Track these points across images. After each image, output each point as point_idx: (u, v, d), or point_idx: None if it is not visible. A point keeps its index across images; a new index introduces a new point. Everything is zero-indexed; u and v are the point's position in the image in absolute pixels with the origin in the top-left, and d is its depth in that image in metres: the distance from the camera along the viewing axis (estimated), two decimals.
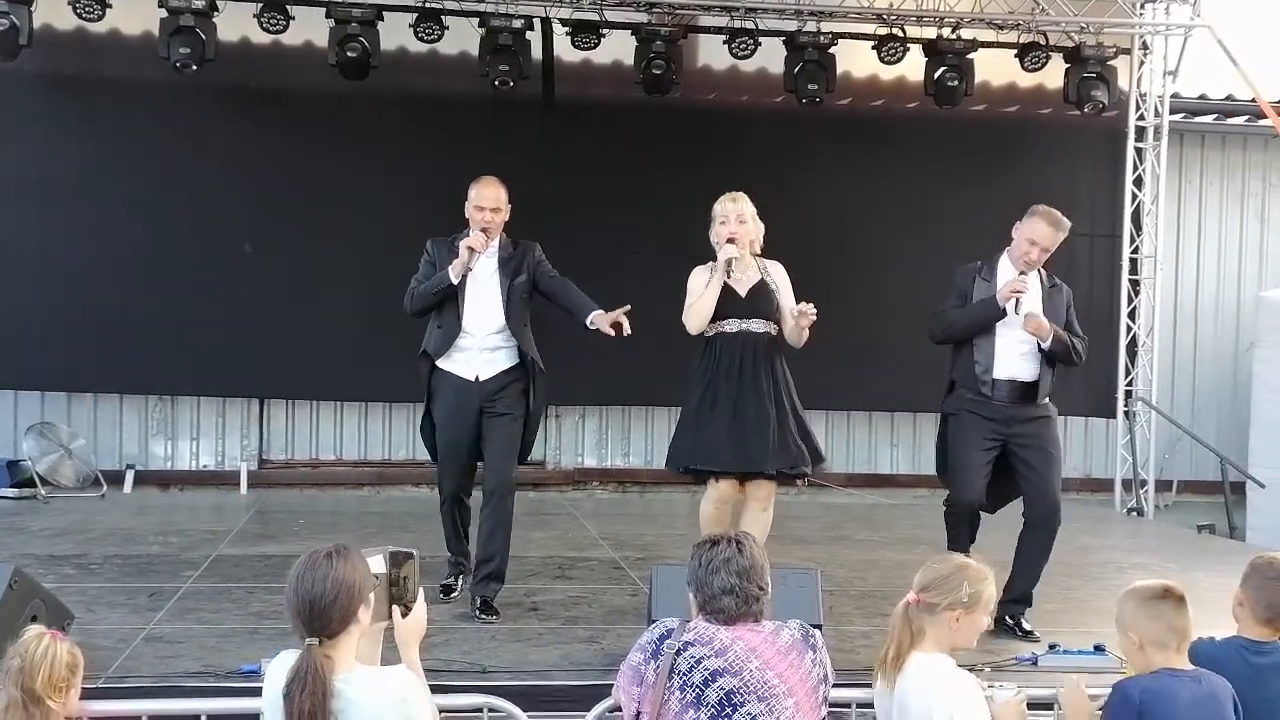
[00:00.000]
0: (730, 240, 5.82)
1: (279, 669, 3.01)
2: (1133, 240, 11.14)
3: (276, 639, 5.02)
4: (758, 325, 5.86)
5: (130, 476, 10.38)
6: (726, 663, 3.19)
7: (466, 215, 6.06)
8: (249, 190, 10.05)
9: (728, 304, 5.83)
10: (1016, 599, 5.77)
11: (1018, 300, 5.83)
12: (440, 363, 6.03)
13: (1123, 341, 11.10)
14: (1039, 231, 5.91)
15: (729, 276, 5.81)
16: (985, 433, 5.91)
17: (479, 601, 5.85)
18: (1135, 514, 10.88)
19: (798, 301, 5.85)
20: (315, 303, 10.01)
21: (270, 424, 10.83)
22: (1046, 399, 6.03)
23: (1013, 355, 5.93)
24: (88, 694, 3.78)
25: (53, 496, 9.60)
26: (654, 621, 3.48)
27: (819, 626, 3.63)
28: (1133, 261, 11.14)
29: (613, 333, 5.95)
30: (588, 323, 6.04)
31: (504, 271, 6.04)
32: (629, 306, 5.94)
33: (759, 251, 6.00)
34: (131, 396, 10.52)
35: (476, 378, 5.99)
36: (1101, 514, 10.90)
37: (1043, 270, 6.04)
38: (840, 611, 5.98)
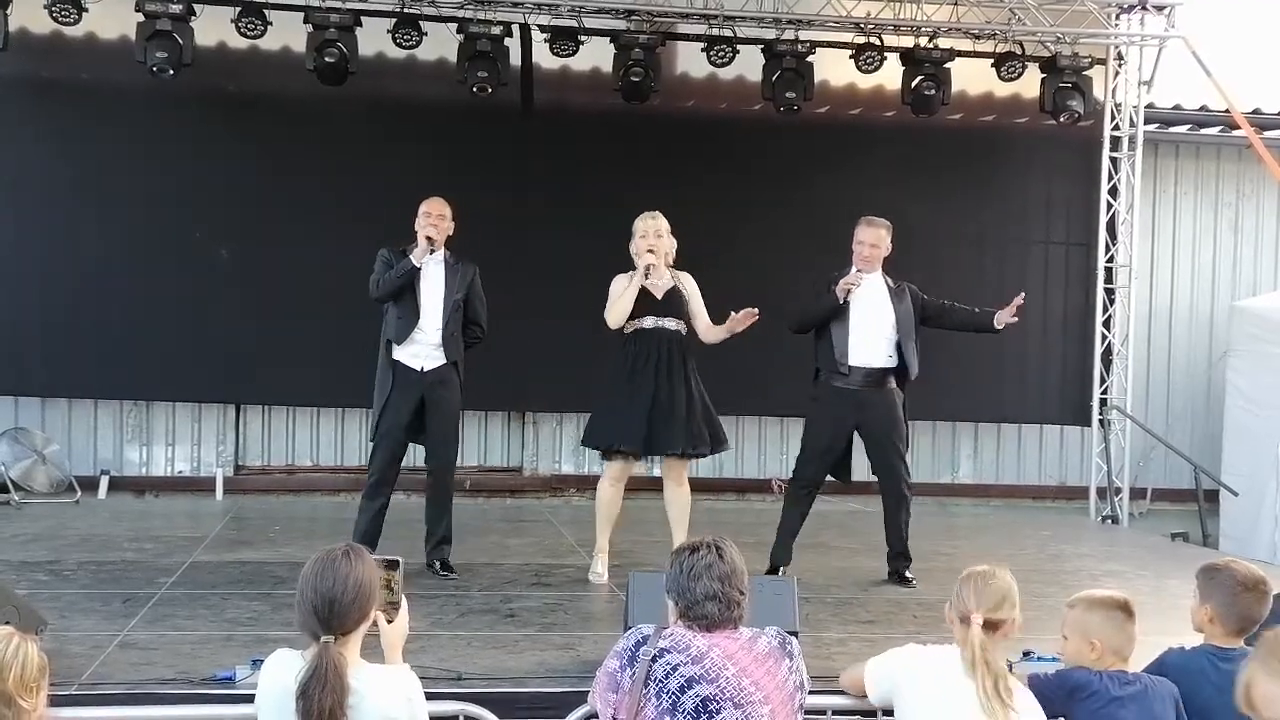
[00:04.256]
0: (650, 250, 6.77)
1: (279, 669, 3.05)
2: (1108, 249, 11.20)
3: (251, 645, 5.01)
4: (671, 323, 6.83)
5: (105, 482, 10.32)
6: (703, 669, 3.19)
7: (416, 228, 6.90)
8: (225, 195, 10.01)
9: (646, 305, 6.80)
10: (899, 554, 7.16)
11: (849, 291, 6.91)
12: (396, 353, 6.90)
13: (1098, 350, 11.16)
14: (861, 234, 7.14)
15: (646, 279, 6.76)
16: (839, 417, 7.04)
17: (438, 564, 6.94)
18: (1110, 522, 10.93)
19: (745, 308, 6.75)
20: (292, 308, 9.98)
21: (246, 430, 10.79)
22: (894, 384, 7.08)
23: (865, 345, 7.02)
24: (60, 701, 3.76)
25: (26, 502, 9.54)
26: (630, 628, 3.48)
27: (795, 634, 3.63)
28: (1108, 270, 11.20)
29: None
30: None
31: (449, 280, 6.96)
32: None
33: (671, 263, 6.96)
34: (106, 402, 10.46)
35: (421, 368, 6.91)
36: (1076, 522, 10.95)
37: (888, 278, 7.16)
38: (816, 619, 5.99)
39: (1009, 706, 3.37)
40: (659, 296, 6.83)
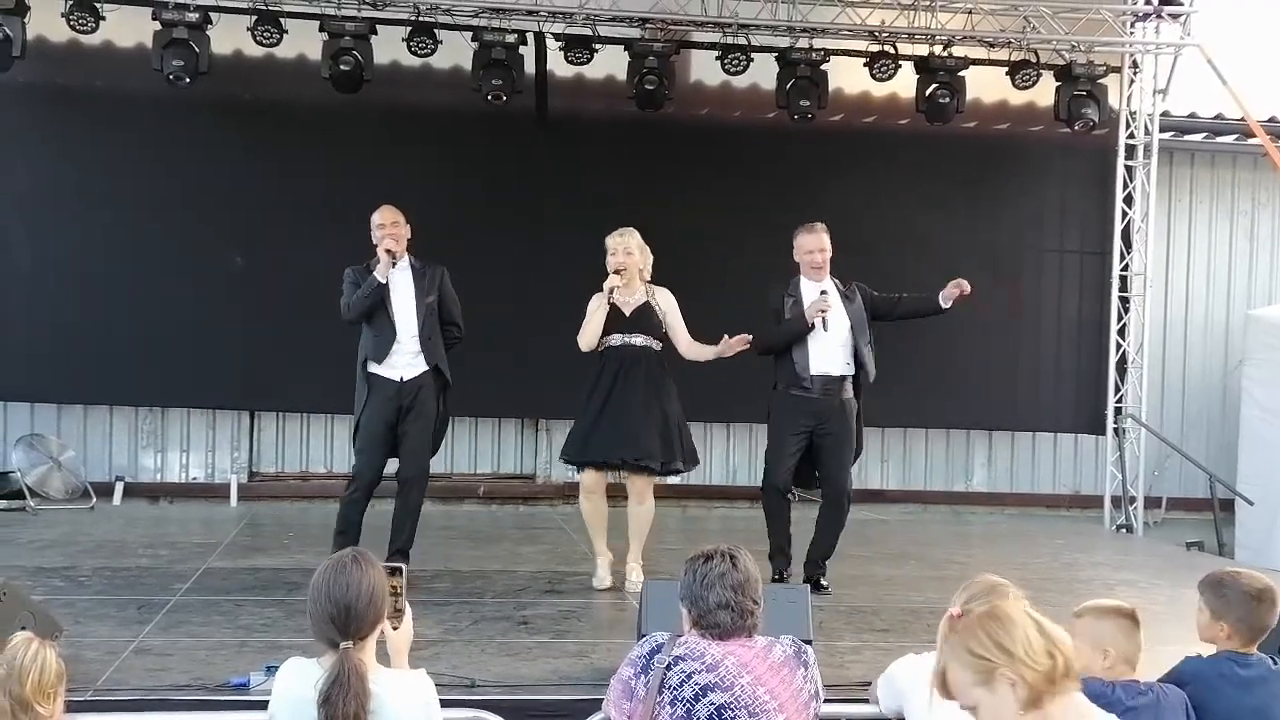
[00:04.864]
0: (616, 271, 6.79)
1: (295, 677, 3.06)
2: (1123, 257, 11.17)
3: (266, 652, 5.03)
4: (639, 339, 6.82)
5: (120, 488, 10.36)
6: (717, 678, 3.19)
7: (375, 242, 6.89)
8: (241, 203, 10.03)
9: (614, 322, 6.83)
10: (816, 560, 7.08)
11: (824, 319, 6.89)
12: (372, 367, 6.87)
13: (1112, 358, 11.13)
14: (808, 243, 7.06)
15: (610, 298, 6.78)
16: (799, 426, 6.98)
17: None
18: (1124, 531, 10.89)
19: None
20: (306, 315, 9.96)
21: (260, 436, 10.82)
22: (850, 392, 7.03)
23: (825, 355, 6.97)
24: (76, 706, 3.77)
25: (41, 508, 9.58)
26: (644, 636, 3.48)
27: (809, 642, 3.63)
28: (1122, 279, 11.18)
29: None
30: None
31: (418, 286, 6.92)
32: None
33: (648, 278, 6.97)
34: (121, 408, 10.50)
35: (401, 378, 6.86)
36: (1091, 530, 10.93)
37: (837, 281, 7.10)
38: (830, 627, 5.98)
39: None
40: (627, 314, 6.83)
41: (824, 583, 7.00)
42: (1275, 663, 3.87)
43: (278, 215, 10.10)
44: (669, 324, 6.92)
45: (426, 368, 6.88)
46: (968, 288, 7.06)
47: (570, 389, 10.33)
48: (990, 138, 11.05)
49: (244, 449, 10.75)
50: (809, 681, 3.30)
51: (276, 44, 9.53)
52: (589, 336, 6.84)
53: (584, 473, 6.92)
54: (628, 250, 6.85)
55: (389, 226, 6.87)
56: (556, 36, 9.93)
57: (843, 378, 7.02)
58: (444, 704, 3.38)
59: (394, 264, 6.83)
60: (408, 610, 3.33)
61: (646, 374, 6.80)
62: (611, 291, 6.78)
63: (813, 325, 6.90)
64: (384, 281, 6.80)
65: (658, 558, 7.30)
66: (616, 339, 6.81)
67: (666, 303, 6.95)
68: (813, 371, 6.95)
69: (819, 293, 6.99)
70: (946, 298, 7.10)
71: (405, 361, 6.85)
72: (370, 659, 3.08)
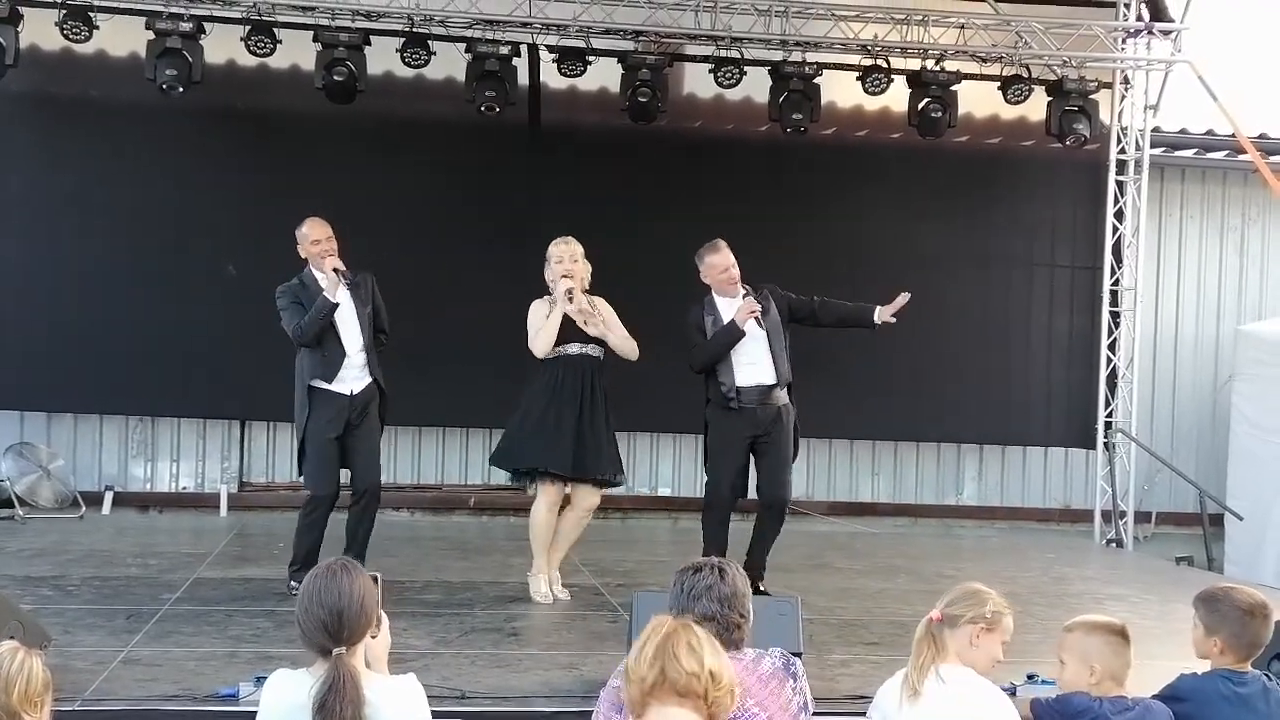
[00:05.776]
0: (566, 275, 6.76)
1: (286, 687, 3.06)
2: (1113, 272, 11.20)
3: (255, 662, 5.01)
4: (593, 350, 6.84)
5: (109, 498, 10.33)
6: None
7: (304, 254, 6.84)
8: (233, 212, 10.02)
9: (571, 331, 6.78)
10: (758, 565, 6.99)
11: (757, 319, 6.87)
12: (320, 384, 6.77)
13: (1103, 373, 11.15)
14: (719, 261, 7.02)
15: (570, 302, 6.72)
16: (737, 436, 6.98)
17: None
18: (1114, 545, 10.91)
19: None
20: None
21: (251, 446, 10.79)
22: (785, 398, 7.02)
23: (749, 365, 6.96)
24: (64, 716, 3.76)
25: (31, 517, 9.55)
26: None
27: (798, 654, 3.63)
28: (1113, 293, 11.20)
29: None
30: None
31: (356, 297, 6.82)
32: None
33: (586, 288, 6.91)
34: (111, 417, 10.48)
35: (352, 392, 6.79)
36: (1080, 545, 10.93)
37: (748, 287, 7.05)
38: (820, 640, 5.98)
39: (920, 690, 3.44)
40: (582, 322, 6.82)
41: (763, 586, 6.96)
42: (1270, 679, 3.87)
43: (270, 225, 10.05)
44: (609, 330, 6.88)
45: (371, 378, 6.82)
46: (902, 301, 7.01)
47: None
48: (982, 152, 11.08)
49: (234, 459, 10.73)
50: (798, 694, 3.30)
51: (270, 54, 9.52)
52: (545, 343, 6.76)
53: (553, 484, 6.81)
54: (574, 259, 6.86)
55: (325, 242, 6.76)
56: (550, 48, 9.94)
57: (773, 385, 7.00)
58: (435, 715, 3.38)
59: (344, 282, 6.70)
60: (384, 618, 3.34)
61: (601, 386, 6.83)
62: (569, 294, 6.74)
63: (744, 330, 6.87)
64: (337, 302, 6.68)
65: (648, 570, 7.31)
66: (575, 348, 6.79)
67: (608, 313, 6.95)
68: (739, 383, 6.93)
69: (741, 298, 6.97)
70: (880, 317, 7.04)
71: (354, 376, 6.78)
72: (361, 665, 3.09)
